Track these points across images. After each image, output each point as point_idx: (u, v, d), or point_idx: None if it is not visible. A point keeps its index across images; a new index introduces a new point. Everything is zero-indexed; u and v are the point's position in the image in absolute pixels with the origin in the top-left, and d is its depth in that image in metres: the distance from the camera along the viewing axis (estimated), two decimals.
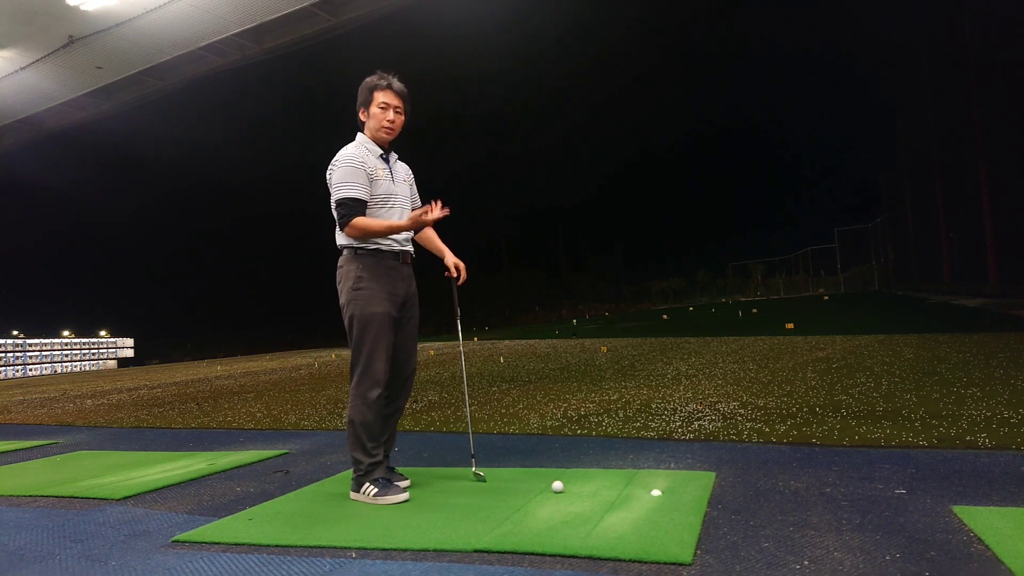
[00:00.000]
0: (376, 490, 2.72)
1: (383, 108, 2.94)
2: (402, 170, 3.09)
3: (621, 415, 4.48)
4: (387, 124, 2.95)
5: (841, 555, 1.87)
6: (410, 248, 3.02)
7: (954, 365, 5.77)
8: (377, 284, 2.84)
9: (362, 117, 3.00)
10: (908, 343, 7.96)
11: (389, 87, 2.95)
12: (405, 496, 2.71)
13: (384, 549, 2.18)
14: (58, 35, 12.87)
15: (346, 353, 3.12)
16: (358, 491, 2.78)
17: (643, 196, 51.87)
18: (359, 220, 2.78)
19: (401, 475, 3.04)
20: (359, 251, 2.86)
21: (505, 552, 2.07)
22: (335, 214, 2.85)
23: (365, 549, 2.20)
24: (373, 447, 2.79)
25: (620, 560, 1.94)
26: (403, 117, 3.02)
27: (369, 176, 2.87)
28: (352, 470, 2.83)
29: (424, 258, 3.15)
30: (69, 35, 12.90)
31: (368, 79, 2.98)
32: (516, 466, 3.26)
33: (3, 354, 39.27)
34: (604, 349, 10.79)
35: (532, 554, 2.04)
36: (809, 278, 33.37)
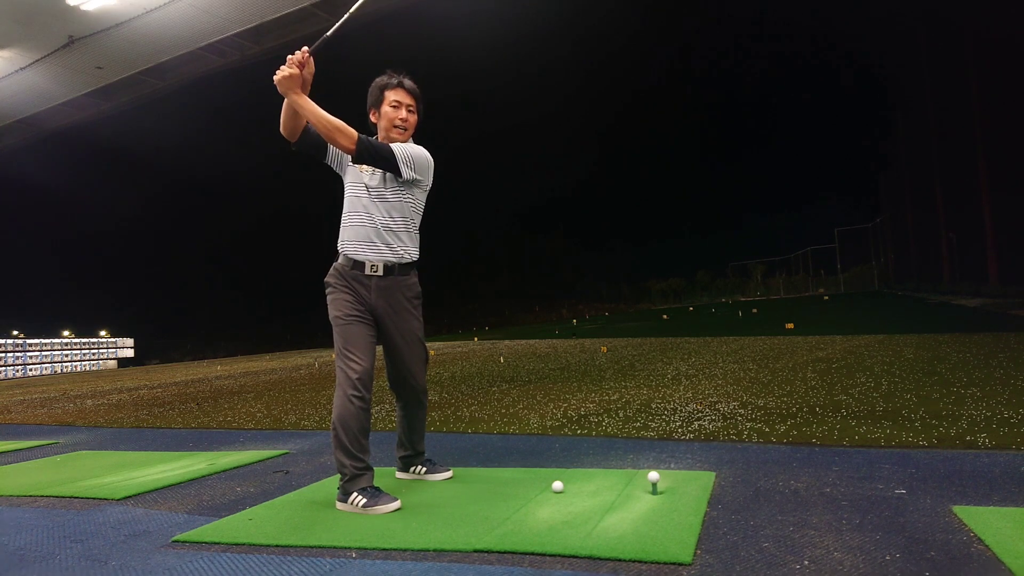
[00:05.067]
0: (365, 500, 2.60)
1: (395, 106, 2.88)
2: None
3: (621, 415, 4.48)
4: (399, 122, 2.88)
5: (841, 555, 1.87)
6: (380, 259, 2.80)
7: (954, 365, 5.76)
8: (338, 288, 2.82)
9: (372, 119, 2.94)
10: (908, 343, 7.96)
11: (400, 85, 2.90)
12: (397, 504, 2.60)
13: (384, 549, 2.18)
14: (58, 35, 12.89)
15: None
16: (345, 501, 2.64)
17: (643, 196, 51.91)
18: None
19: (445, 467, 3.15)
20: (336, 257, 2.88)
21: (505, 552, 2.07)
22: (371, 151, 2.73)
23: (365, 549, 2.20)
24: (357, 450, 2.66)
25: (620, 560, 1.94)
26: (416, 116, 2.95)
27: (347, 159, 2.88)
28: (339, 475, 2.71)
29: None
30: (69, 35, 12.91)
31: (378, 79, 2.92)
32: (516, 466, 3.26)
33: (3, 354, 39.28)
34: (604, 349, 10.79)
35: (532, 554, 2.04)
36: (809, 278, 33.41)
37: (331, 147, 2.89)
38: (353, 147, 2.68)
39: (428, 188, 2.96)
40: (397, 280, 2.85)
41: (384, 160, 2.76)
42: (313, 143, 2.85)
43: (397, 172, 2.79)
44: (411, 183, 2.86)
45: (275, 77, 2.68)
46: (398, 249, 2.84)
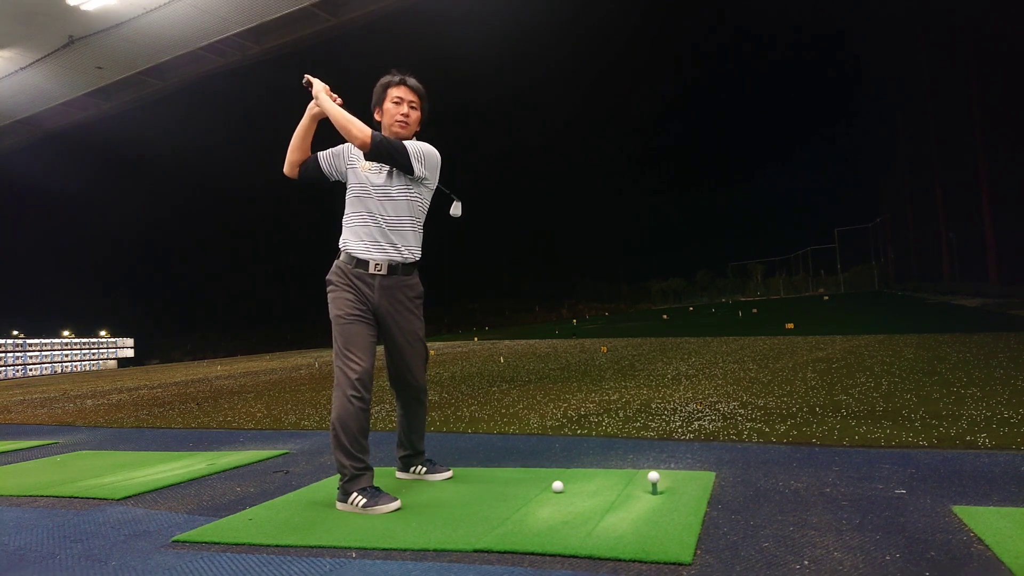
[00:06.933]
0: (365, 500, 2.60)
1: (397, 103, 2.90)
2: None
3: (621, 415, 4.48)
4: (400, 117, 2.89)
5: (841, 555, 1.87)
6: (385, 258, 2.80)
7: (954, 365, 5.77)
8: (339, 287, 2.81)
9: (376, 117, 2.95)
10: (908, 343, 7.96)
11: (403, 83, 2.92)
12: (397, 504, 2.60)
13: (384, 549, 2.18)
14: (58, 35, 12.90)
15: None
16: (345, 501, 2.64)
17: (643, 195, 51.98)
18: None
19: (444, 467, 3.15)
20: (337, 256, 2.88)
21: (505, 552, 2.07)
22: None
23: (365, 549, 2.20)
24: (356, 450, 2.66)
25: (620, 560, 1.94)
26: (419, 113, 2.96)
27: (347, 161, 2.90)
28: (339, 476, 2.71)
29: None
30: (69, 35, 12.92)
31: (382, 78, 2.94)
32: (516, 466, 3.26)
33: (3, 354, 39.29)
34: (604, 349, 10.79)
35: (532, 554, 2.04)
36: (809, 278, 33.41)
37: (326, 165, 2.94)
38: (368, 142, 2.72)
39: (433, 188, 2.97)
40: (400, 280, 2.85)
41: (398, 155, 2.78)
42: (310, 174, 2.97)
43: (409, 169, 2.80)
44: (418, 181, 2.86)
45: (317, 84, 2.89)
46: (402, 248, 2.85)
